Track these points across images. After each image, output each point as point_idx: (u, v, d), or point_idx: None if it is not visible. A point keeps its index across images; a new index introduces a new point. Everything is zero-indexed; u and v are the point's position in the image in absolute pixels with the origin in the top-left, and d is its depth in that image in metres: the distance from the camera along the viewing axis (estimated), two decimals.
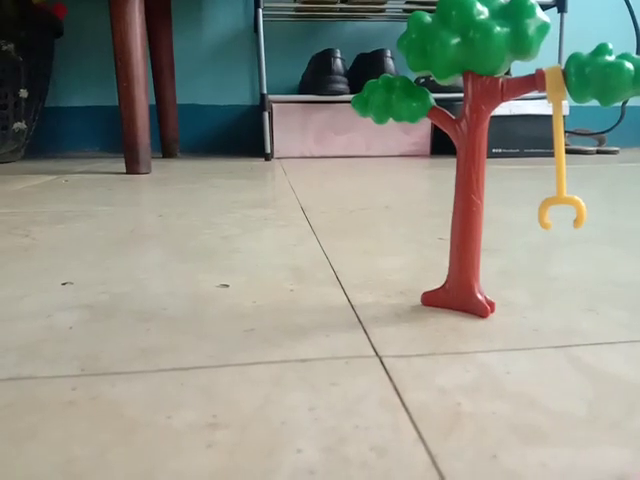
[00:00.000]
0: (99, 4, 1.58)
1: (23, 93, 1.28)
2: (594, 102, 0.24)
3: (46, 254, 0.41)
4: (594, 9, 1.76)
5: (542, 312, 0.28)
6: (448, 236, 0.27)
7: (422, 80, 1.48)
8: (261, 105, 1.38)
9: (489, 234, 0.47)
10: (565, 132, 1.48)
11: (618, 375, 0.21)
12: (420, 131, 1.51)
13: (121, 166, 1.07)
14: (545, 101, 1.42)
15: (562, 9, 1.47)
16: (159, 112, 1.53)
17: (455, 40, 0.24)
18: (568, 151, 1.50)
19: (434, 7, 0.25)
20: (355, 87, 1.43)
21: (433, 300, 0.28)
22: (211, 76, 1.75)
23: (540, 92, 0.25)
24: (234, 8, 1.72)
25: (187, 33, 1.70)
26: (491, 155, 1.41)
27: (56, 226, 0.52)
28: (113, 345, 0.24)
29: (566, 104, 1.40)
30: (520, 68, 1.49)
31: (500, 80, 0.25)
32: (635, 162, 1.24)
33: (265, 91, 1.37)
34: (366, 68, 1.45)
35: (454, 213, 0.27)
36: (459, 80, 0.26)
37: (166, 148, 1.55)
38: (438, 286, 0.29)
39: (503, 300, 0.29)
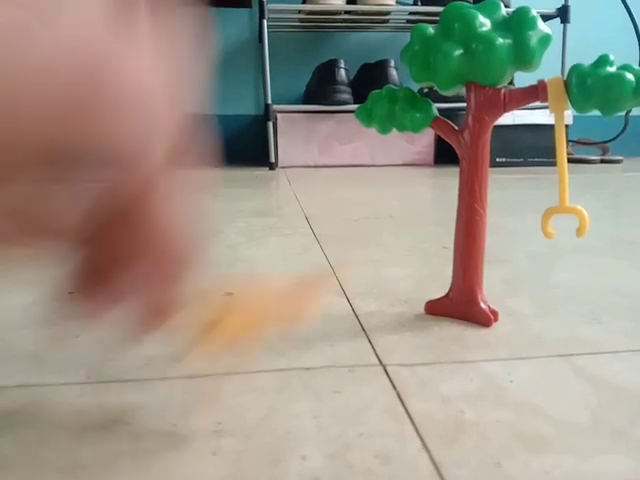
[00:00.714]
0: None
1: None
2: (597, 112, 0.25)
3: (53, 262, 0.41)
4: (597, 20, 1.77)
5: (545, 321, 0.28)
6: (452, 245, 0.27)
7: (425, 90, 1.49)
8: (265, 115, 1.39)
9: (493, 243, 0.47)
10: (568, 141, 1.49)
11: (621, 384, 0.21)
12: (424, 141, 1.52)
13: None
14: (548, 110, 1.42)
15: (565, 20, 1.48)
16: None
17: (458, 52, 0.24)
18: (571, 160, 1.51)
19: (437, 17, 0.26)
20: (359, 97, 1.44)
21: (437, 309, 0.28)
22: (216, 86, 1.76)
23: (542, 102, 0.25)
24: (239, 19, 1.73)
25: None
26: (495, 164, 1.41)
27: None
28: (119, 353, 0.24)
29: (569, 114, 1.40)
30: (523, 78, 1.50)
31: (502, 91, 0.26)
32: (639, 172, 1.24)
33: (269, 101, 1.38)
34: (370, 78, 1.45)
35: (457, 222, 0.28)
36: (462, 90, 0.27)
37: None
38: (442, 295, 0.29)
39: (506, 309, 0.29)
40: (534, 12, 0.25)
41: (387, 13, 1.47)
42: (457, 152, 0.27)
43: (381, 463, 0.16)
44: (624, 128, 1.49)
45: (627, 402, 0.20)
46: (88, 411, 0.19)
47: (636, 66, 0.24)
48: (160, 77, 0.16)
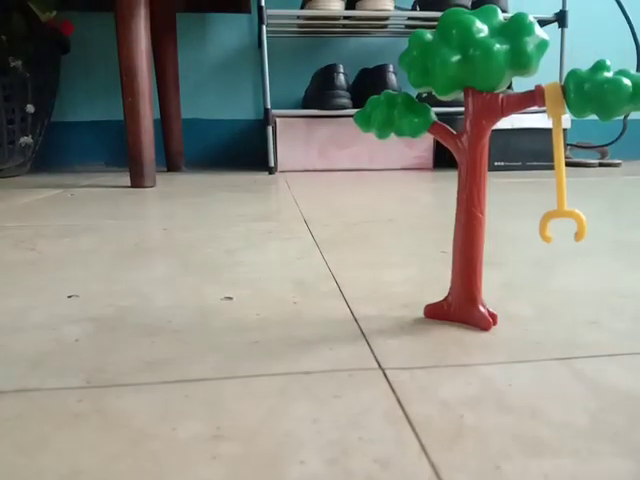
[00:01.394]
0: (105, 21, 1.60)
1: (30, 108, 1.30)
2: (595, 116, 0.25)
3: (52, 267, 0.41)
4: (594, 25, 1.77)
5: (545, 324, 0.28)
6: (451, 249, 0.27)
7: (424, 95, 1.49)
8: (265, 119, 1.39)
9: (491, 247, 0.47)
10: (567, 145, 1.49)
11: (620, 387, 0.21)
12: (423, 145, 1.52)
13: (126, 180, 1.08)
14: (547, 114, 1.42)
15: (563, 24, 1.49)
16: (164, 126, 1.54)
17: (456, 58, 0.24)
18: (570, 164, 1.51)
19: (436, 23, 0.26)
20: (358, 102, 1.45)
21: (436, 313, 0.29)
22: (215, 91, 1.76)
23: (540, 107, 0.26)
24: (238, 24, 1.74)
25: (192, 49, 1.72)
26: (493, 168, 1.41)
27: (62, 240, 0.52)
28: (118, 357, 0.24)
29: (567, 117, 1.40)
30: (522, 83, 1.50)
31: (500, 96, 0.26)
32: (637, 175, 1.24)
33: (269, 106, 1.38)
34: (369, 83, 1.46)
35: (456, 226, 0.28)
36: (461, 95, 0.27)
37: (171, 162, 1.57)
38: (441, 299, 0.29)
39: (506, 313, 0.29)
40: (531, 18, 0.25)
41: (386, 18, 1.48)
42: (455, 157, 0.27)
43: (380, 468, 0.16)
44: (622, 131, 1.49)
45: (626, 405, 0.20)
46: (87, 415, 0.19)
47: (633, 71, 0.24)
48: None
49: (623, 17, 1.44)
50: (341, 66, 1.44)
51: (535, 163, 1.42)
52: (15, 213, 0.71)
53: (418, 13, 1.46)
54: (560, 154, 0.25)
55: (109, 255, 0.46)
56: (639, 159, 1.80)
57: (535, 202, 0.79)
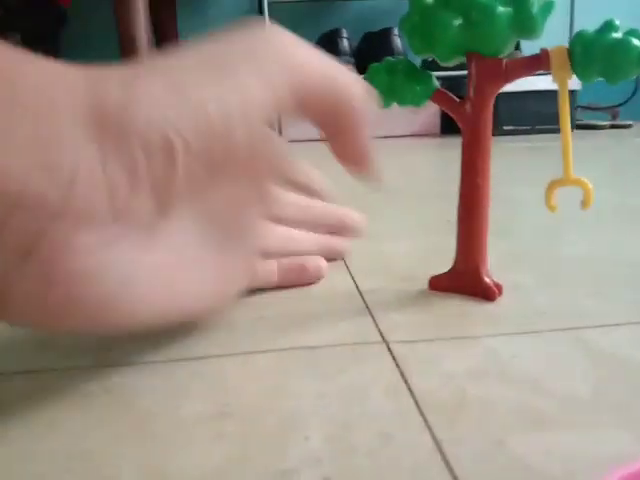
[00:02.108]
0: None
1: None
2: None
3: None
4: None
5: (550, 295, 0.28)
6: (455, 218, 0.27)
7: (430, 59, 1.46)
8: None
9: (497, 215, 0.46)
10: (577, 106, 1.46)
11: (625, 357, 0.21)
12: (429, 110, 1.50)
13: None
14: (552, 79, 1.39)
15: None
16: None
17: (457, 22, 0.24)
18: (580, 126, 1.48)
19: None
20: (362, 67, 1.42)
21: (440, 284, 0.28)
22: None
23: (546, 72, 0.25)
24: None
25: (191, 19, 1.69)
26: (502, 132, 1.39)
27: None
28: (124, 337, 0.24)
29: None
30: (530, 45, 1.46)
31: (504, 61, 0.25)
32: None
33: None
34: (373, 47, 1.43)
35: (460, 196, 0.27)
36: (464, 60, 0.26)
37: None
38: (445, 270, 0.29)
39: (511, 283, 0.29)
40: None
41: None
42: (459, 125, 0.27)
43: (383, 443, 0.16)
44: (634, 92, 1.46)
45: (631, 376, 0.20)
46: (95, 395, 0.20)
47: None
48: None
49: None
50: (344, 30, 1.41)
51: (545, 126, 1.39)
52: None
53: None
54: (566, 119, 0.25)
55: None
56: None
57: (543, 168, 0.78)
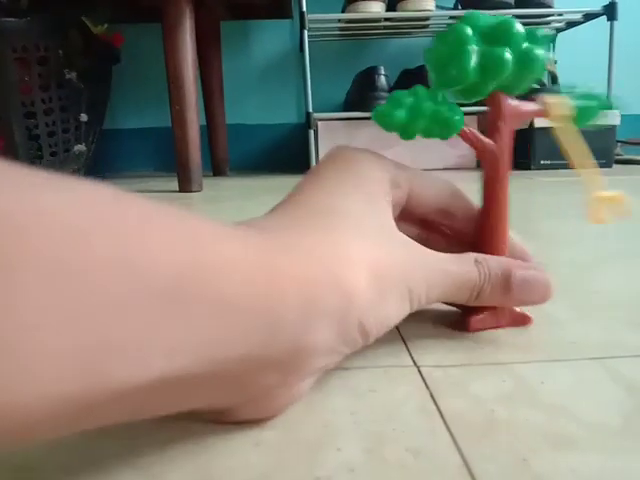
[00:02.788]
0: (153, 32, 1.66)
1: (83, 117, 1.37)
2: None
3: None
4: None
5: (582, 325, 0.28)
6: None
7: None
8: (307, 123, 1.41)
9: (532, 248, 0.46)
10: (617, 141, 1.44)
11: None
12: (465, 144, 1.50)
13: (174, 185, 1.12)
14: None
15: (612, 17, 1.44)
16: (209, 132, 1.59)
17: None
18: (619, 161, 1.46)
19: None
20: None
21: (481, 325, 0.28)
22: (258, 96, 1.80)
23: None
24: (280, 30, 1.77)
25: (235, 56, 1.77)
26: (539, 167, 1.38)
27: None
28: None
29: (617, 112, 1.36)
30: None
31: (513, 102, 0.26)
32: None
33: (310, 109, 1.40)
34: (410, 84, 1.45)
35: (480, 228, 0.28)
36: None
37: (216, 167, 1.61)
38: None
39: (542, 314, 0.29)
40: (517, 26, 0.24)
41: (427, 18, 1.47)
42: (481, 163, 0.27)
43: (413, 457, 0.17)
44: None
45: None
46: None
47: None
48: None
49: None
50: (382, 68, 1.44)
51: None
52: None
53: (460, 12, 1.45)
54: (575, 150, 0.26)
55: None
56: None
57: (580, 202, 0.78)
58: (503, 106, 0.26)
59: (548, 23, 1.58)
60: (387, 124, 0.25)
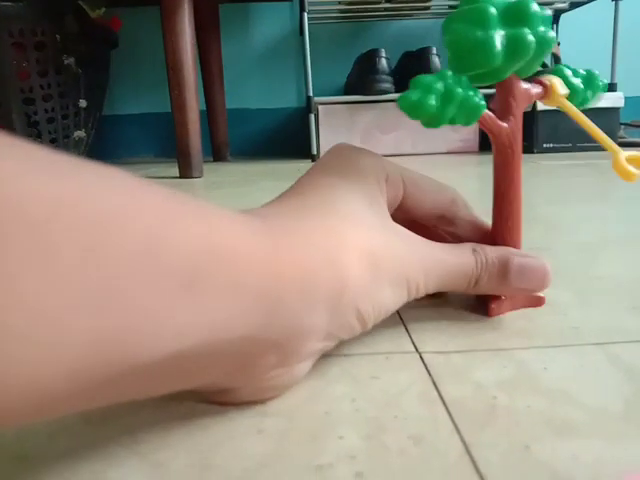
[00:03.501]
0: (151, 16, 1.65)
1: (82, 103, 1.36)
2: None
3: None
4: None
5: (584, 310, 0.28)
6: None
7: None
8: (307, 107, 1.40)
9: (537, 233, 0.46)
10: (620, 124, 1.43)
11: None
12: (468, 127, 1.49)
13: (175, 171, 1.12)
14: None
15: None
16: (209, 117, 1.58)
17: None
18: (623, 144, 1.45)
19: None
20: (401, 86, 1.43)
21: (501, 309, 0.28)
22: (258, 80, 1.79)
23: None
24: (280, 13, 1.75)
25: (235, 40, 1.75)
26: (542, 150, 1.37)
27: None
28: None
29: (620, 96, 1.35)
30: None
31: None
32: None
33: (311, 93, 1.39)
34: (412, 66, 1.44)
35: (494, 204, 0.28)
36: None
37: (217, 152, 1.60)
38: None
39: (546, 299, 0.29)
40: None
41: (428, 0, 1.45)
42: (496, 146, 0.27)
43: (414, 444, 0.17)
44: None
45: None
46: None
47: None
48: None
49: None
50: (383, 50, 1.42)
51: (586, 144, 1.37)
52: None
53: None
54: (585, 122, 0.26)
55: None
56: None
57: (584, 186, 0.77)
58: (516, 89, 0.26)
59: (552, 3, 1.55)
60: (418, 113, 0.22)
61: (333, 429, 0.18)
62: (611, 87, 1.45)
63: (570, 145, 1.37)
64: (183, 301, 0.15)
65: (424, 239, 0.24)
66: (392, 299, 0.21)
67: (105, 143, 1.74)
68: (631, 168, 0.24)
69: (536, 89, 0.26)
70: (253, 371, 0.19)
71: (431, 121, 0.23)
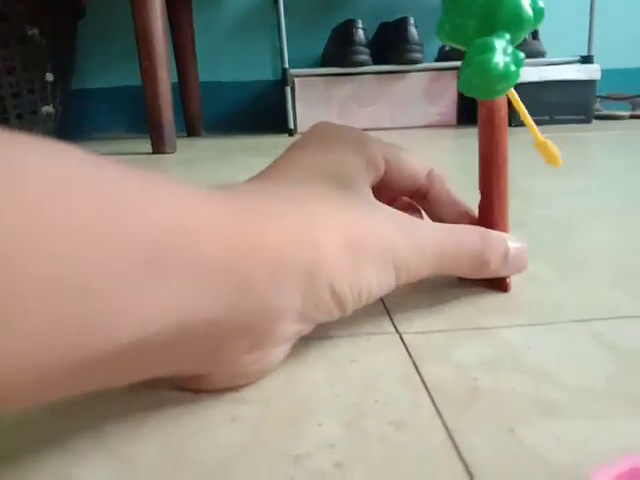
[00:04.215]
0: None
1: (49, 77, 1.31)
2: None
3: None
4: None
5: (566, 286, 0.28)
6: (476, 211, 0.27)
7: (447, 49, 1.45)
8: (283, 80, 1.37)
9: (513, 207, 0.46)
10: (597, 96, 1.44)
11: None
12: (446, 100, 1.48)
13: (147, 146, 1.09)
14: (575, 66, 1.37)
15: None
16: (182, 90, 1.54)
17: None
18: (599, 117, 1.46)
19: None
20: (378, 58, 1.41)
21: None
22: (232, 52, 1.74)
23: None
24: None
25: (207, 9, 1.69)
26: (519, 123, 1.38)
27: None
28: None
29: (597, 67, 1.35)
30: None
31: None
32: None
33: (287, 65, 1.36)
34: (389, 37, 1.42)
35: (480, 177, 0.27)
36: None
37: (190, 127, 1.57)
38: None
39: (526, 274, 0.29)
40: None
41: None
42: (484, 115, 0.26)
43: (395, 430, 0.16)
44: None
45: None
46: None
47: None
48: None
49: None
50: (360, 21, 1.40)
51: (563, 117, 1.37)
52: None
53: None
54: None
55: None
56: None
57: (561, 158, 0.77)
58: None
59: None
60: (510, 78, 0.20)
61: (311, 416, 0.17)
62: (588, 59, 1.45)
63: (547, 118, 1.38)
64: (145, 287, 0.14)
65: (417, 219, 0.23)
66: (376, 282, 0.20)
67: (75, 118, 1.68)
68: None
69: None
70: (224, 356, 0.18)
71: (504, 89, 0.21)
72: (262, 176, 0.23)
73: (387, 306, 0.26)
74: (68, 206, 0.13)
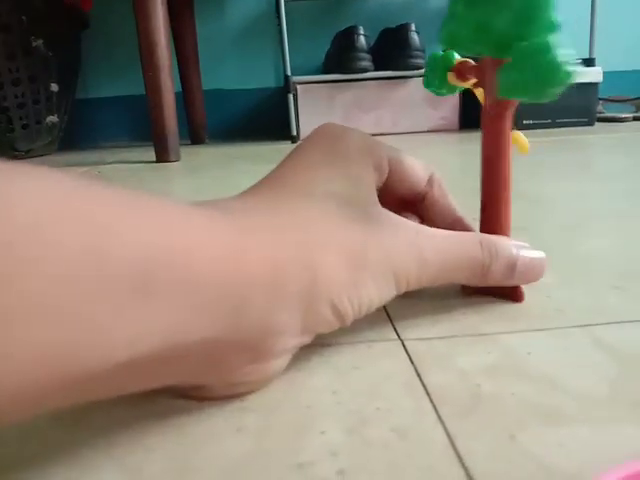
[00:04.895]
0: None
1: (54, 87, 1.32)
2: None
3: None
4: None
5: (567, 291, 0.28)
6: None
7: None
8: (285, 87, 1.38)
9: (516, 211, 0.46)
10: (599, 99, 1.43)
11: None
12: (448, 105, 1.48)
13: (151, 155, 1.10)
14: (578, 67, 1.37)
15: None
16: (186, 99, 1.55)
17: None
18: (602, 119, 1.45)
19: None
20: (380, 63, 1.41)
21: (471, 288, 0.28)
22: (235, 60, 1.75)
23: None
24: None
25: (210, 19, 1.70)
26: (522, 127, 1.37)
27: None
28: None
29: (598, 70, 1.35)
30: None
31: None
32: None
33: (289, 72, 1.36)
34: (391, 43, 1.42)
35: (483, 186, 0.27)
36: None
37: (194, 134, 1.57)
38: None
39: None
40: None
41: None
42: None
43: (397, 437, 0.17)
44: None
45: None
46: None
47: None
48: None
49: None
50: (361, 27, 1.40)
51: (566, 120, 1.37)
52: None
53: None
54: None
55: None
56: None
57: (563, 163, 0.77)
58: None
59: None
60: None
61: (314, 424, 0.18)
62: (590, 62, 1.45)
63: (550, 121, 1.37)
64: (134, 308, 0.14)
65: (422, 227, 0.23)
66: (377, 293, 0.20)
67: (79, 128, 1.69)
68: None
69: None
70: (223, 369, 0.18)
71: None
72: (262, 186, 0.22)
73: (389, 313, 0.26)
74: (55, 231, 0.13)
